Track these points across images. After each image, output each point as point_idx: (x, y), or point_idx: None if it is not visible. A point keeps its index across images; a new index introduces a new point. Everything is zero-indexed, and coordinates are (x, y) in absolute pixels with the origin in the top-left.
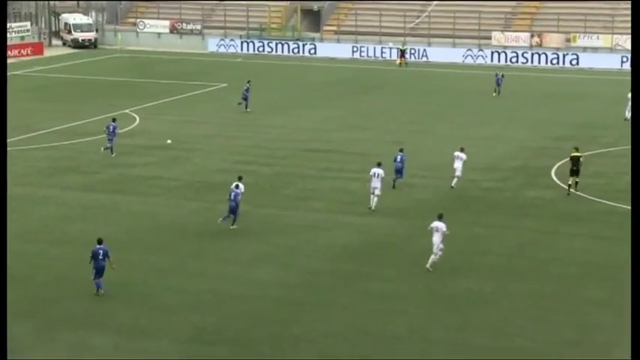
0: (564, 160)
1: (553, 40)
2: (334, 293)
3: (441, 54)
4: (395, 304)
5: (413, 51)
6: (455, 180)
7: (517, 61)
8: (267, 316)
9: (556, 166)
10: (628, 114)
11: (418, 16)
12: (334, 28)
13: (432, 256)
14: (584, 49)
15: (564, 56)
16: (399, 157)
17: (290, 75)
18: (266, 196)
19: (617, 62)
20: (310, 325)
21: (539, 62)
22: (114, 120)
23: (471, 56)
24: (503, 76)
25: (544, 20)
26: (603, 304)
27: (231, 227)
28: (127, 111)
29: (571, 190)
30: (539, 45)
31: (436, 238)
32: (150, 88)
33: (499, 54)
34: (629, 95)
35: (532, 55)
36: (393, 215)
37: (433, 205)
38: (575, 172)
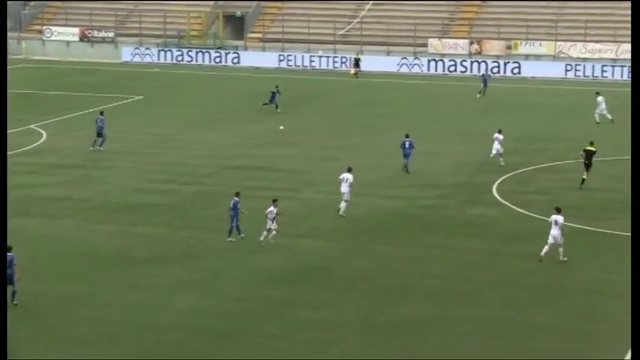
0: (507, 176)
1: (493, 47)
2: (262, 322)
3: (374, 62)
4: (327, 332)
5: (344, 59)
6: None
7: (455, 70)
8: (189, 348)
9: (497, 182)
10: (601, 116)
11: (349, 22)
12: (259, 35)
13: (561, 249)
14: (527, 56)
15: (505, 64)
16: (407, 143)
17: (212, 86)
18: (187, 217)
19: (561, 70)
20: (237, 357)
21: (478, 71)
22: (102, 113)
23: (407, 65)
24: (490, 75)
25: (484, 26)
26: (549, 329)
27: (229, 239)
28: (32, 126)
29: (583, 185)
30: (479, 52)
31: (555, 232)
32: (58, 102)
33: (436, 62)
34: (599, 99)
35: (471, 63)
36: (324, 236)
37: (368, 224)
38: (587, 167)
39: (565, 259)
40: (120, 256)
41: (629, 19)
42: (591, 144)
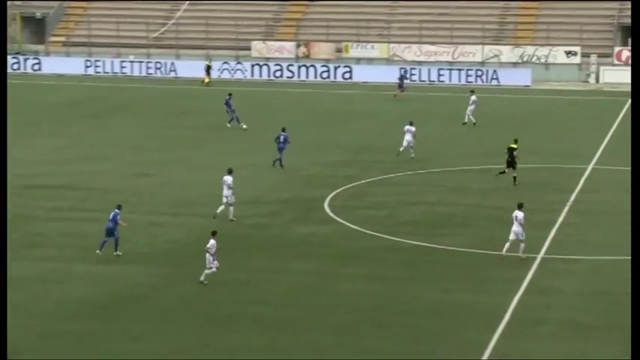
0: (339, 190)
1: (322, 50)
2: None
3: (192, 68)
4: None
5: (158, 65)
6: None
7: (282, 75)
8: None
9: (329, 197)
10: (469, 118)
11: (164, 24)
12: (62, 38)
13: (522, 245)
14: (358, 60)
15: (336, 69)
16: (282, 137)
17: (9, 96)
18: None
19: (395, 75)
20: None
21: (307, 76)
22: None
23: (228, 70)
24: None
25: (312, 27)
26: (387, 355)
27: (115, 253)
28: None
29: (502, 174)
30: (307, 56)
31: (516, 228)
32: None
33: (260, 67)
34: (473, 97)
35: (299, 67)
36: (139, 261)
37: (189, 247)
38: (510, 164)
39: (525, 256)
40: None
41: (467, 19)
42: (515, 141)
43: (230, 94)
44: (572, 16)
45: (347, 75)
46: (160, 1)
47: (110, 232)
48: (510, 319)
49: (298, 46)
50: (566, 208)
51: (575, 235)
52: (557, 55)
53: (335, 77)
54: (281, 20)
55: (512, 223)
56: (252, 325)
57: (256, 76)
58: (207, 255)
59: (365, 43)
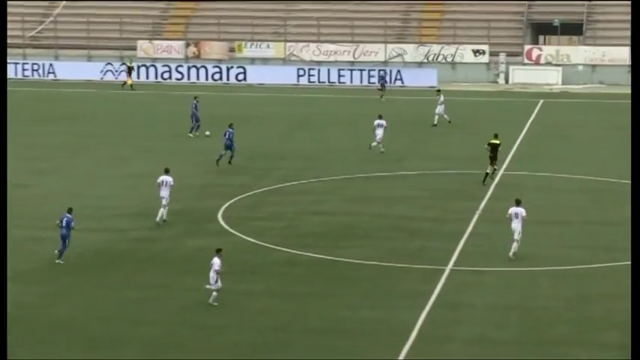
0: (234, 200)
1: (214, 49)
2: None
3: (73, 69)
4: None
5: (35, 67)
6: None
7: (170, 77)
8: None
9: (223, 208)
10: (441, 118)
11: (41, 22)
12: None
13: (515, 244)
14: (253, 60)
15: (228, 70)
16: (228, 134)
17: None
18: None
19: (293, 76)
20: None
21: (197, 78)
22: None
23: (112, 72)
24: (384, 77)
25: (202, 25)
26: None
27: (57, 261)
28: None
29: (487, 179)
30: (198, 56)
31: (515, 225)
32: None
33: (147, 68)
34: (442, 98)
35: (189, 68)
36: (17, 279)
37: (70, 263)
38: (492, 160)
39: (514, 257)
40: None
41: (368, 16)
42: (496, 136)
43: (196, 98)
44: (479, 13)
45: (241, 76)
46: None
47: (64, 239)
48: (418, 336)
49: (188, 45)
50: (476, 217)
51: (485, 246)
52: (465, 53)
53: (228, 79)
54: (169, 18)
55: (511, 221)
56: (140, 347)
57: (142, 78)
58: (212, 274)
59: (260, 42)
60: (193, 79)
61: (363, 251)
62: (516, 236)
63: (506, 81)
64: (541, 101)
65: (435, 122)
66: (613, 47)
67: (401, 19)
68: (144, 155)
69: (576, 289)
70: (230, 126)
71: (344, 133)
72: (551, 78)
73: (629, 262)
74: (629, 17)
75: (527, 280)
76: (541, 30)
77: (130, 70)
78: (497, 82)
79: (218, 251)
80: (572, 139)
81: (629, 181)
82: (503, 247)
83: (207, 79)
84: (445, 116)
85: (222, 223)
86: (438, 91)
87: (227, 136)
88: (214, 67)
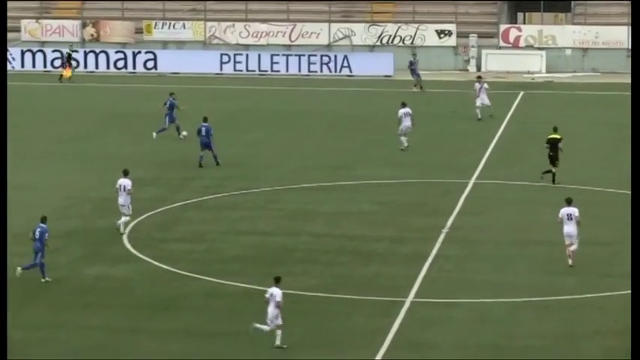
0: (142, 217)
1: (117, 31)
2: None
3: None
4: None
5: None
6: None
7: (63, 65)
8: None
9: (130, 226)
10: (483, 109)
11: None
12: None
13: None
14: (165, 44)
15: (135, 55)
16: (203, 130)
17: None
18: None
19: (215, 63)
20: None
21: (96, 65)
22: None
23: None
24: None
25: (102, 1)
26: None
27: (44, 280)
28: None
29: (548, 173)
30: (97, 39)
31: (569, 228)
32: None
33: (34, 54)
34: (485, 85)
35: (85, 54)
36: None
37: None
38: (553, 160)
39: (573, 264)
40: None
41: None
42: (555, 130)
43: (173, 94)
44: None
45: (150, 64)
46: None
47: (37, 251)
48: None
49: (84, 25)
50: (442, 237)
51: (453, 272)
52: (427, 35)
53: (134, 67)
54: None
55: (564, 225)
56: None
57: (28, 67)
58: (271, 308)
59: (173, 22)
60: (91, 67)
61: (304, 280)
62: (574, 242)
63: (479, 68)
64: (521, 93)
65: (480, 116)
66: (608, 27)
67: None
68: (32, 163)
69: (565, 325)
70: (205, 120)
71: (279, 134)
72: (533, 64)
73: (629, 291)
74: None
75: (505, 314)
76: (520, 6)
77: (69, 58)
78: (467, 70)
79: (277, 280)
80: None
81: (629, 191)
82: (474, 273)
83: (108, 67)
84: (490, 106)
85: (127, 245)
86: (479, 77)
87: (202, 133)
88: (117, 52)
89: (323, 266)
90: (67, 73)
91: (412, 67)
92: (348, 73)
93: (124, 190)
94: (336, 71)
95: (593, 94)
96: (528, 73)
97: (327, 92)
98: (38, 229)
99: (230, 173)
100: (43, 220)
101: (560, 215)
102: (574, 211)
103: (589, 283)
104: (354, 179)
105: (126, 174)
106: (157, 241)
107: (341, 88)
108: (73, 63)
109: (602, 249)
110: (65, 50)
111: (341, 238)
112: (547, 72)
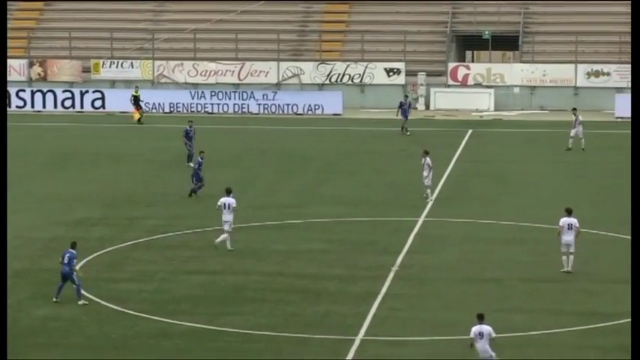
0: (91, 257)
1: (64, 70)
2: None
3: None
4: None
5: None
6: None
7: (9, 105)
8: None
9: (78, 266)
10: (576, 140)
11: None
12: None
13: (571, 257)
14: (113, 83)
15: (82, 95)
16: (197, 164)
17: None
18: None
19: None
20: None
21: (44, 105)
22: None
23: None
24: (409, 103)
25: (49, 40)
26: None
27: (80, 302)
28: None
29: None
30: (44, 78)
31: (568, 237)
32: None
33: None
34: (581, 118)
35: (32, 93)
36: None
37: None
38: None
39: (571, 270)
40: None
41: (256, 27)
42: (574, 110)
43: (191, 122)
44: (392, 23)
45: (98, 103)
46: None
47: (65, 278)
48: None
49: (31, 64)
50: (391, 275)
51: (403, 310)
52: (375, 73)
53: (82, 106)
54: (11, 30)
55: (562, 235)
56: None
57: None
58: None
59: (121, 60)
60: (38, 106)
61: (253, 319)
62: (572, 251)
63: (427, 107)
64: (469, 131)
65: (570, 146)
66: (555, 65)
67: (297, 30)
68: None
69: None
70: (200, 154)
71: (228, 173)
72: (481, 103)
73: (579, 327)
74: (573, 28)
75: (456, 352)
76: (468, 44)
77: (136, 100)
78: (415, 108)
79: (229, 192)
80: (506, 177)
81: (580, 228)
82: (424, 311)
83: (55, 106)
84: (582, 139)
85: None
86: (575, 109)
87: (197, 167)
88: (65, 91)
89: (273, 305)
90: (137, 114)
91: (403, 108)
92: (297, 112)
93: (229, 207)
94: (284, 110)
95: (541, 131)
96: (477, 111)
97: (276, 131)
98: (67, 254)
99: (179, 212)
100: (73, 245)
101: (560, 224)
102: (574, 221)
103: (538, 320)
104: (304, 217)
105: (229, 192)
106: (106, 281)
107: (290, 127)
108: (142, 104)
109: (550, 286)
110: (131, 92)
111: (291, 276)
112: (495, 110)
